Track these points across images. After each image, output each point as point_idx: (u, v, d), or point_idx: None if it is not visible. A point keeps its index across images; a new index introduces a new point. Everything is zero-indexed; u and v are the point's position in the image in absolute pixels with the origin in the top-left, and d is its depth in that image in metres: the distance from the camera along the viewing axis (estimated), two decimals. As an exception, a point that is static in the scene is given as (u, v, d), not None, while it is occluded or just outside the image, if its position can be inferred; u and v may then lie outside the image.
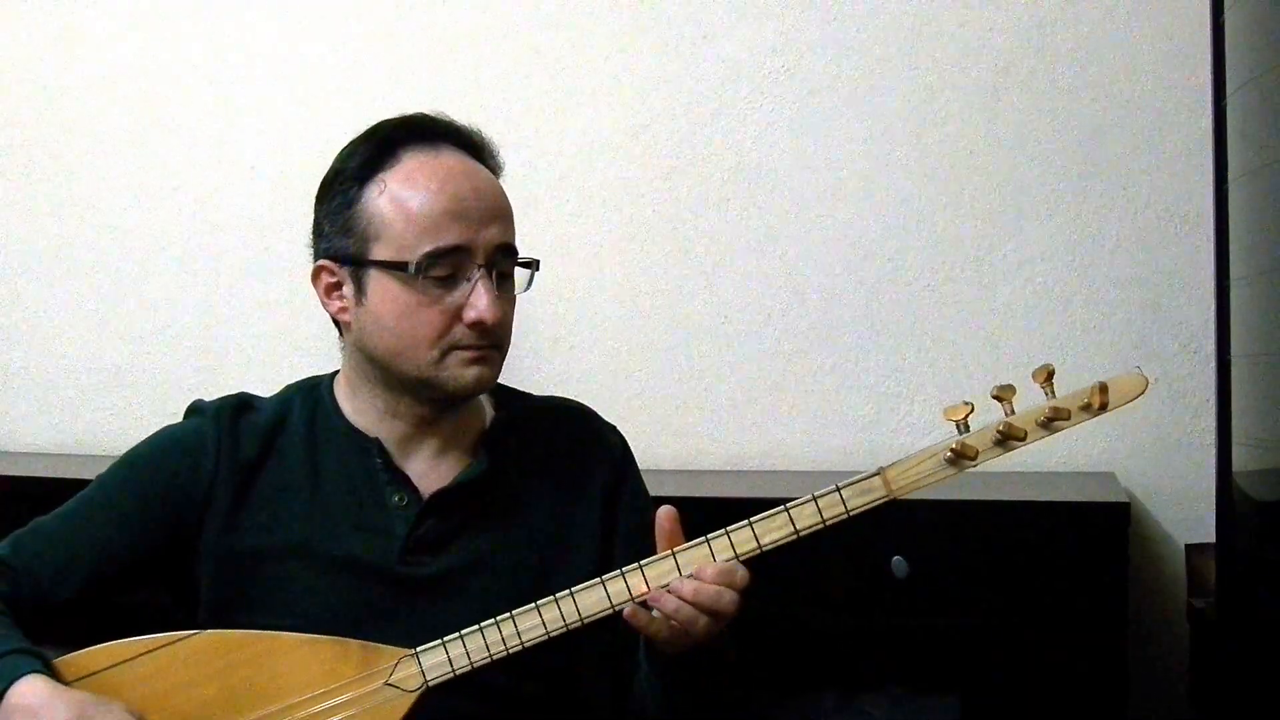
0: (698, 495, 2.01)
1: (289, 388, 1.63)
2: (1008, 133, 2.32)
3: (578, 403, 1.68)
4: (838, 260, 2.38)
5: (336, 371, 1.61)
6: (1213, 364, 2.09)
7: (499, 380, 1.64)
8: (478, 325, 1.46)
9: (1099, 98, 2.28)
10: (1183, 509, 2.23)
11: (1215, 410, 1.97)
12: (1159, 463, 2.26)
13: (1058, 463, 2.27)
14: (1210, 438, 2.07)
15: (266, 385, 1.67)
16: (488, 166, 1.54)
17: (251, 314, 2.61)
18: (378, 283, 1.48)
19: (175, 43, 2.64)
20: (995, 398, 1.36)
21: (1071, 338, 2.30)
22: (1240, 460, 1.83)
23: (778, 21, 2.40)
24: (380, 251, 1.47)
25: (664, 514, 1.41)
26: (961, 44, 2.33)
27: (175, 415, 1.63)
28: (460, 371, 1.48)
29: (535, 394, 1.67)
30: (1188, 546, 2.16)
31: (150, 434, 1.60)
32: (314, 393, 1.60)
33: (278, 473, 1.54)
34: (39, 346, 2.71)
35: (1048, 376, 1.36)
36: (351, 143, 1.56)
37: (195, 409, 1.60)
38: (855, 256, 2.37)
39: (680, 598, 1.37)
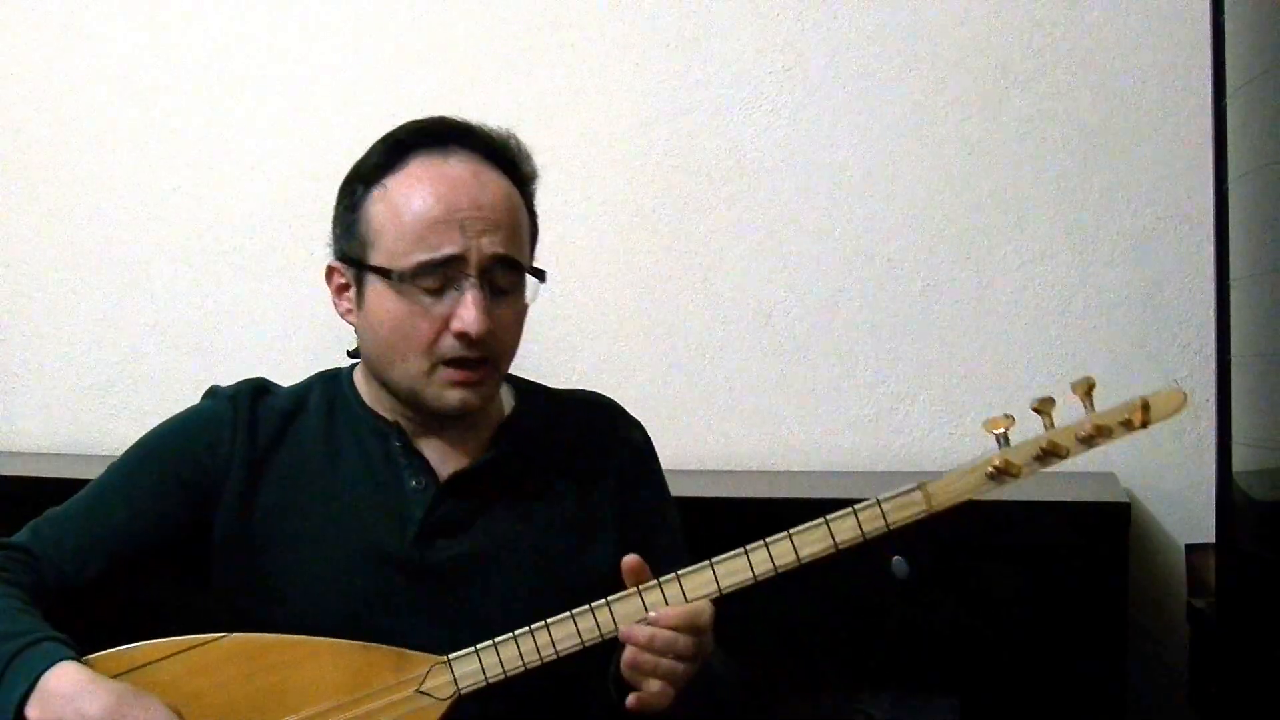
0: (697, 495, 2.01)
1: (309, 378, 1.62)
2: (1008, 133, 2.32)
3: (603, 395, 1.67)
4: (838, 260, 2.38)
5: (356, 363, 1.60)
6: (1213, 364, 2.09)
7: (520, 375, 1.63)
8: (463, 337, 1.44)
9: (1099, 98, 2.28)
10: (1183, 509, 2.23)
11: (1215, 410, 1.97)
12: (1159, 463, 2.25)
13: (1058, 463, 2.27)
14: (1210, 438, 2.07)
15: (267, 385, 1.67)
16: (513, 174, 1.52)
17: (252, 314, 2.61)
18: (373, 289, 1.47)
19: (176, 43, 2.64)
20: (1035, 410, 1.35)
21: (1071, 338, 2.30)
22: (1240, 460, 1.83)
23: (778, 21, 2.40)
24: (375, 257, 1.47)
25: (627, 563, 1.39)
26: (961, 44, 2.33)
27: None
28: (443, 391, 1.47)
29: (558, 388, 1.66)
30: (1188, 546, 2.16)
31: (168, 417, 1.59)
32: (334, 381, 1.60)
33: (294, 456, 1.54)
34: (39, 346, 2.71)
35: (1088, 390, 1.34)
36: (373, 144, 1.54)
37: (212, 393, 1.59)
38: (855, 256, 2.37)
39: (634, 643, 1.35)
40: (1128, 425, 1.35)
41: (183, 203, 2.64)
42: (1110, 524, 1.91)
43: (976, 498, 1.37)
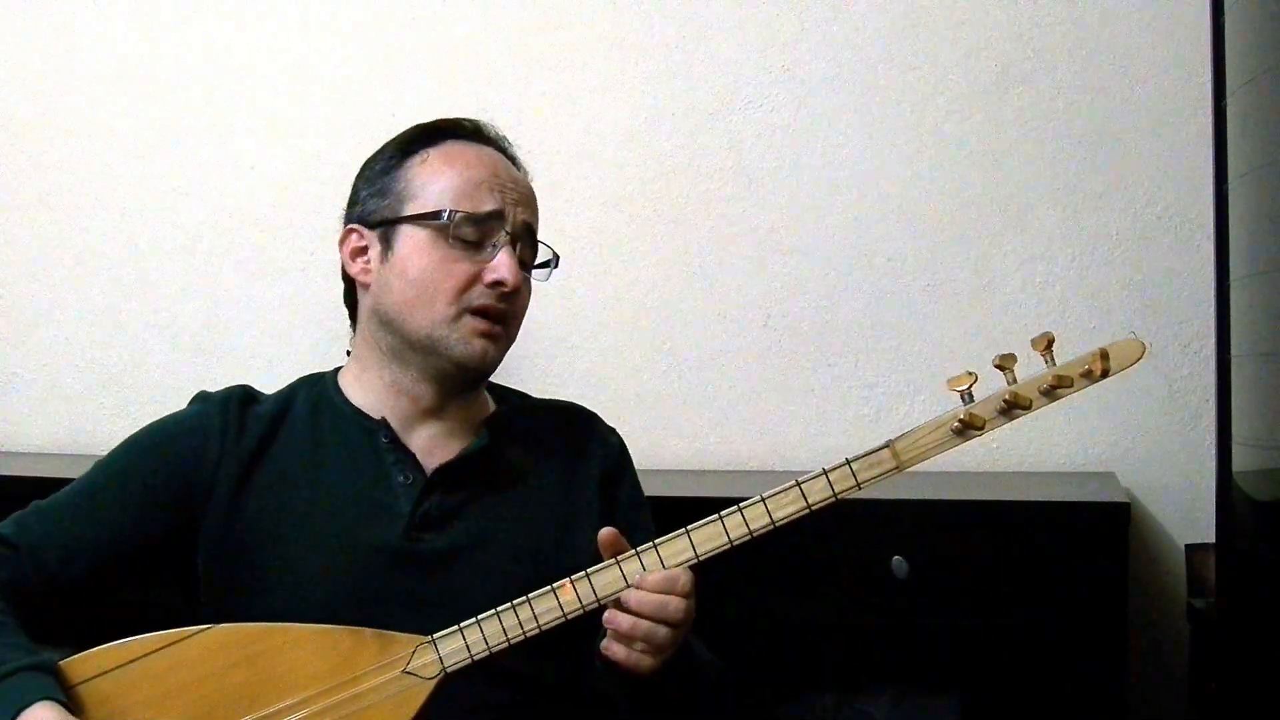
0: (697, 495, 2.01)
1: (292, 383, 1.65)
2: (1008, 133, 2.32)
3: (579, 405, 1.71)
4: (837, 260, 2.38)
5: (340, 367, 1.64)
6: (1213, 364, 2.09)
7: (499, 383, 1.66)
8: (497, 286, 1.51)
9: (1099, 98, 2.28)
10: (1183, 509, 2.23)
11: (1215, 410, 1.97)
12: (1159, 463, 2.25)
13: (1058, 463, 2.27)
14: (1210, 438, 2.07)
15: (267, 386, 1.67)
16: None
17: (252, 314, 2.61)
18: (408, 237, 1.54)
19: (176, 43, 2.64)
20: (997, 366, 1.39)
21: (1071, 337, 2.27)
22: (1240, 460, 1.83)
23: (778, 21, 2.40)
24: (415, 208, 1.54)
25: (604, 535, 1.41)
26: (961, 44, 2.33)
27: (175, 415, 1.63)
28: (470, 339, 1.52)
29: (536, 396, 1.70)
30: (1188, 546, 2.16)
31: (155, 420, 1.60)
32: (318, 383, 1.63)
33: (281, 458, 1.55)
34: (39, 346, 2.71)
35: (1047, 345, 1.38)
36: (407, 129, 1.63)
37: (201, 397, 1.62)
38: (855, 256, 2.37)
39: (625, 610, 1.37)
40: (1088, 375, 1.38)
41: (183, 202, 2.64)
42: (1110, 524, 1.91)
43: (943, 451, 1.39)
